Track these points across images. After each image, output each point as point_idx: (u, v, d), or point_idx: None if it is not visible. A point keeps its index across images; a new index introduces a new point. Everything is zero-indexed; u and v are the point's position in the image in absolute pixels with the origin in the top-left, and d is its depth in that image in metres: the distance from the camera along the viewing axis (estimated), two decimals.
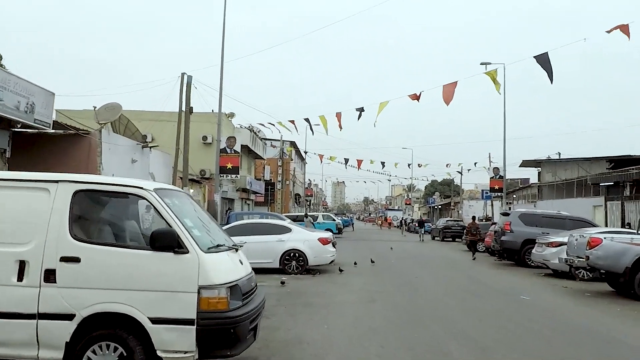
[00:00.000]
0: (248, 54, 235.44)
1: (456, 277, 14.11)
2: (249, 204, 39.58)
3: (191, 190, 25.24)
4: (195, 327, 4.41)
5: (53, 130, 13.57)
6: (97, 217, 5.14)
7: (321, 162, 33.79)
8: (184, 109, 21.78)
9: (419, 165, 38.72)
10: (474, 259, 20.11)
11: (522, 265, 17.18)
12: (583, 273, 13.52)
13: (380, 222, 79.22)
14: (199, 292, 4.45)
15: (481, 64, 32.76)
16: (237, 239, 14.00)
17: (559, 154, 37.57)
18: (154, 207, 4.72)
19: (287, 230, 14.12)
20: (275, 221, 15.27)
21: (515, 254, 17.36)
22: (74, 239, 4.59)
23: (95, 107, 16.02)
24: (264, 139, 44.82)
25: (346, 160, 31.83)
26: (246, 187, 35.27)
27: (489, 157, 44.39)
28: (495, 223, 23.98)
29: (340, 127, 18.84)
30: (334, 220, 38.51)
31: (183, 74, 22.06)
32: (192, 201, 5.96)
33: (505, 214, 18.31)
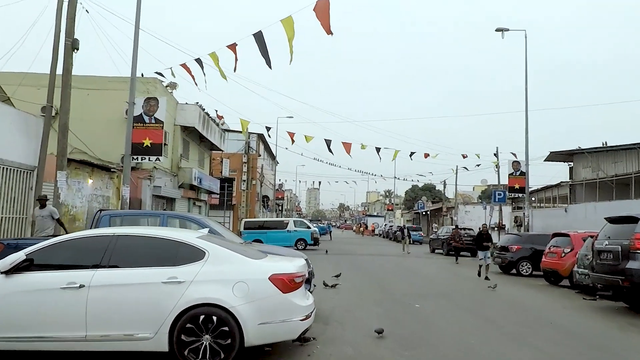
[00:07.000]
0: None
1: None
2: (200, 207, 30.74)
3: (90, 181, 16.41)
4: None
5: None
6: None
7: (292, 143, 25.29)
8: (62, 40, 13.07)
9: (425, 156, 30.41)
10: (457, 262, 21.99)
11: None
12: None
13: (362, 229, 71.48)
14: None
15: (496, 30, 26.20)
16: (69, 277, 5.56)
17: (605, 142, 29.54)
18: None
19: (196, 254, 5.59)
20: (171, 234, 6.27)
21: None
22: None
23: None
24: (226, 130, 36.24)
25: (328, 143, 23.27)
26: (194, 184, 26.53)
27: (497, 151, 36.61)
28: (561, 234, 15.85)
29: (330, 32, 10.24)
30: (309, 227, 30.12)
31: None
32: None
33: (630, 220, 9.91)
